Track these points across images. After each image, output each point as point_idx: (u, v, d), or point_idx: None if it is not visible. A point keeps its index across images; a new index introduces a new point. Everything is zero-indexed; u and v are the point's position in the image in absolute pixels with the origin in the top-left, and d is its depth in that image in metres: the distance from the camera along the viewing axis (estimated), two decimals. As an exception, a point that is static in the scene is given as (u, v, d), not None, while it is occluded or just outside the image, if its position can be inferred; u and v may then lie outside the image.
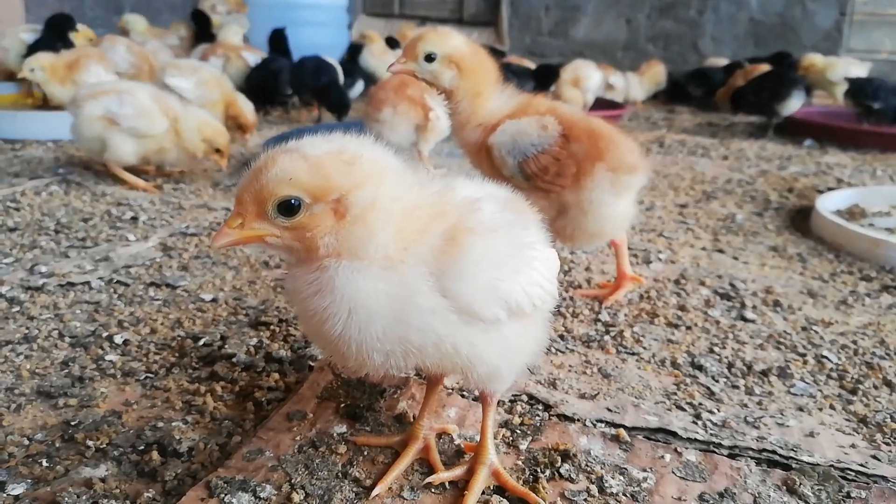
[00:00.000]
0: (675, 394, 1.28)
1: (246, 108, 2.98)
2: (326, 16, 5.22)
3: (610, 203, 1.53)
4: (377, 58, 4.91)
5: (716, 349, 1.46)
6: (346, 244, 0.79)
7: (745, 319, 1.60)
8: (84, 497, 0.96)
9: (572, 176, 1.50)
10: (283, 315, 1.54)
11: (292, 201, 0.78)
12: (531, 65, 4.46)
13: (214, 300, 1.61)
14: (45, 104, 3.75)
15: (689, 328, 1.55)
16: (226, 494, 0.95)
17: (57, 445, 1.07)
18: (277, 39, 4.32)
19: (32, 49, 3.64)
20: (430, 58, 1.48)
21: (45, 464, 1.03)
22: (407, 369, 0.90)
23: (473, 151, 1.57)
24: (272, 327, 1.48)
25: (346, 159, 0.80)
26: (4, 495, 0.96)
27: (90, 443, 1.08)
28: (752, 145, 3.77)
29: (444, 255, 0.81)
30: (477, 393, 1.21)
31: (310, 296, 0.82)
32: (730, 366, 1.39)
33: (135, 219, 2.11)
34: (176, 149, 2.28)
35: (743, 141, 3.91)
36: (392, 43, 5.23)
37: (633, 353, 1.43)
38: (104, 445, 1.07)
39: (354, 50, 4.97)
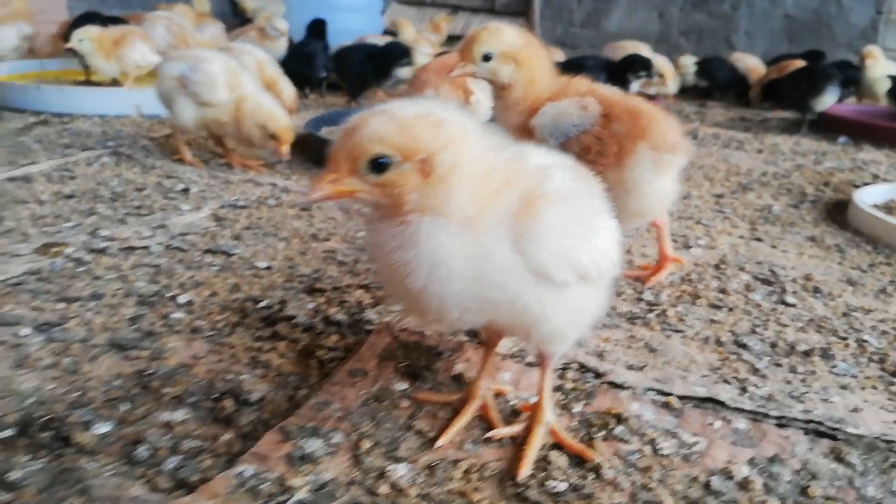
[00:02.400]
0: (720, 369, 1.32)
1: (287, 91, 3.03)
2: (362, 1, 5.26)
3: (652, 181, 1.54)
4: (409, 45, 4.95)
5: (758, 330, 1.49)
6: (430, 202, 0.83)
7: (785, 304, 1.63)
8: (166, 437, 1.02)
9: (614, 155, 1.52)
10: (337, 283, 1.59)
11: (382, 159, 0.82)
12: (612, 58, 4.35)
13: (269, 268, 1.66)
14: (88, 80, 3.84)
15: (730, 310, 1.58)
16: (300, 439, 1.01)
17: (134, 392, 1.13)
18: (317, 27, 4.37)
19: (75, 25, 3.71)
20: (486, 58, 1.54)
21: (125, 407, 1.09)
22: (479, 324, 0.95)
23: (516, 133, 1.60)
24: (326, 294, 1.53)
25: (433, 122, 0.84)
26: (90, 434, 1.02)
27: (166, 390, 1.14)
28: (787, 140, 3.76)
29: (520, 219, 0.85)
30: (534, 357, 1.26)
31: (393, 249, 0.86)
32: (773, 345, 1.42)
33: (186, 190, 2.18)
34: (234, 126, 2.33)
35: (777, 136, 3.90)
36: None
37: (678, 331, 1.47)
38: (179, 393, 1.13)
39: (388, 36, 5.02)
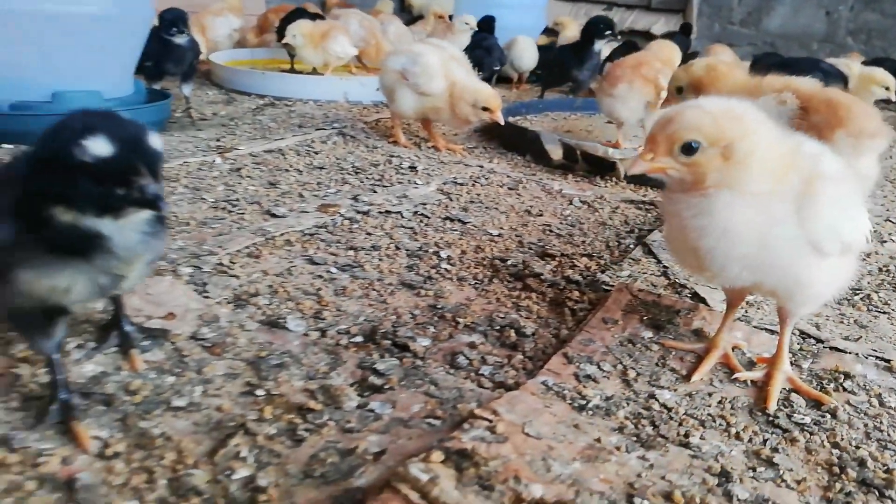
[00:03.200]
0: (932, 347, 1.45)
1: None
2: (528, -2, 5.51)
3: (853, 166, 1.69)
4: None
5: (964, 318, 1.60)
6: (729, 179, 1.06)
7: None
8: (474, 352, 1.31)
9: None
10: (563, 251, 1.84)
11: (693, 144, 1.05)
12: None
13: (500, 235, 1.95)
14: (292, 68, 4.33)
15: (933, 299, 1.70)
16: (580, 363, 1.27)
17: (435, 319, 1.44)
18: (486, 24, 4.66)
19: (287, 20, 4.18)
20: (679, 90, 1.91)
21: (432, 330, 1.39)
22: (747, 282, 1.15)
23: None
24: (557, 259, 1.79)
25: (736, 116, 1.06)
26: (417, 346, 1.32)
27: (459, 320, 1.43)
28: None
29: (802, 196, 1.06)
30: (758, 322, 1.46)
31: (691, 216, 1.09)
32: (981, 332, 1.53)
33: (413, 168, 2.51)
34: (448, 110, 2.64)
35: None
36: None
37: (884, 312, 1.61)
38: (469, 323, 1.43)
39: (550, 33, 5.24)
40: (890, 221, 2.30)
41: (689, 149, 1.06)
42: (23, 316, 0.97)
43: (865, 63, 4.91)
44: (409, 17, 6.40)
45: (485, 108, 2.56)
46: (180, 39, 2.98)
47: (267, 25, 4.86)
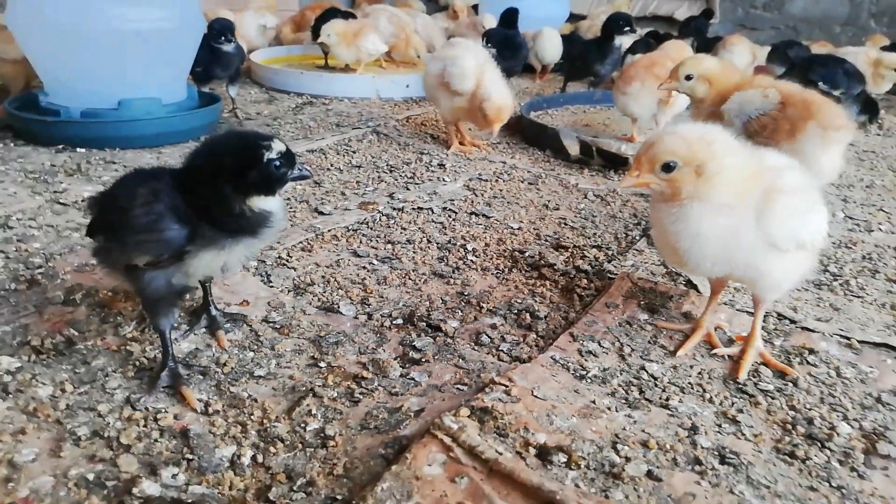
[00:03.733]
0: (895, 326, 1.67)
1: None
2: (553, -11, 5.68)
3: (820, 154, 1.96)
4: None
5: (931, 301, 1.81)
6: (699, 193, 1.29)
7: (959, 283, 1.92)
8: (494, 332, 1.57)
9: (787, 132, 1.97)
10: (575, 243, 2.09)
11: (671, 163, 1.29)
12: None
13: (519, 228, 2.19)
14: (326, 65, 4.59)
15: (906, 284, 1.91)
16: (583, 341, 1.52)
17: (462, 305, 1.70)
18: (510, 16, 4.84)
19: (321, 20, 4.44)
20: (688, 77, 2.15)
21: (459, 314, 1.66)
22: (719, 274, 1.39)
23: (707, 117, 2.08)
24: (570, 250, 2.04)
25: (707, 141, 1.29)
26: (448, 327, 1.58)
27: (482, 305, 1.69)
28: (981, 132, 3.76)
29: (762, 205, 1.29)
30: (742, 305, 1.69)
31: (670, 222, 1.32)
32: (943, 314, 1.75)
33: (442, 165, 2.77)
34: (472, 111, 2.85)
35: (970, 127, 3.90)
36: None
37: (858, 297, 1.82)
38: (491, 307, 1.69)
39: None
40: (882, 211, 2.50)
41: (667, 167, 1.29)
42: (159, 298, 1.26)
43: (884, 48, 5.01)
44: (436, 6, 6.60)
45: (485, 118, 2.74)
46: (228, 47, 3.25)
47: (304, 22, 5.12)
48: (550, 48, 4.77)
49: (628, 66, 3.09)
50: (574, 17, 5.82)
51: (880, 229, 2.31)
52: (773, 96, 1.97)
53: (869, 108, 3.79)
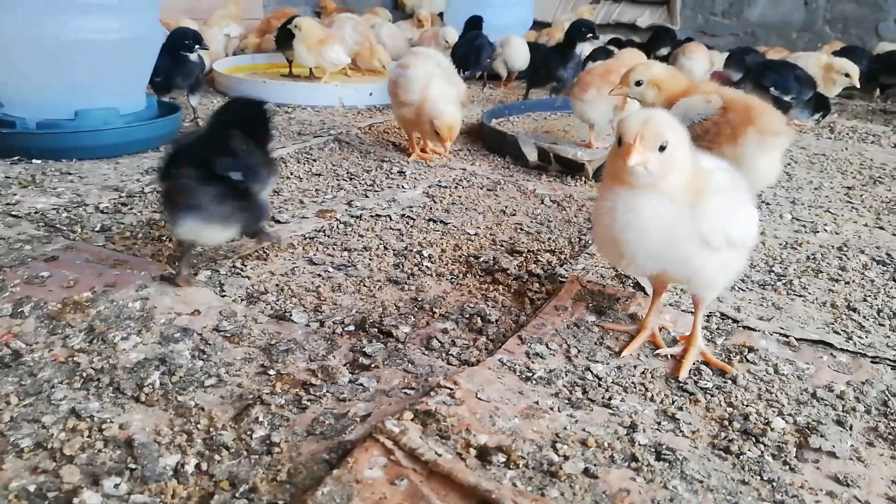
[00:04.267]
0: (833, 324, 1.73)
1: (460, 86, 3.57)
2: (519, -4, 5.75)
3: (758, 157, 2.05)
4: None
5: (868, 299, 1.88)
6: (659, 182, 1.29)
7: (896, 281, 2.00)
8: (445, 337, 1.60)
9: (727, 136, 2.05)
10: (530, 248, 2.12)
11: (664, 144, 1.27)
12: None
13: (476, 234, 2.22)
14: (291, 73, 4.60)
15: (847, 283, 1.97)
16: (531, 343, 1.55)
17: (415, 310, 1.72)
18: (475, 23, 4.90)
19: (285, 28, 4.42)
20: (638, 83, 2.23)
21: (412, 319, 1.68)
22: (654, 271, 1.43)
23: None
24: (524, 255, 2.07)
25: (677, 127, 1.31)
26: (399, 332, 1.60)
27: (435, 310, 1.72)
28: (927, 135, 3.89)
29: (696, 202, 1.33)
30: (688, 306, 1.74)
31: (623, 211, 1.30)
32: (879, 311, 1.81)
33: (402, 172, 2.79)
34: (418, 123, 2.85)
35: (918, 130, 4.03)
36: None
37: (801, 296, 1.88)
38: (444, 312, 1.71)
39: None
40: (829, 212, 2.57)
41: (662, 148, 1.27)
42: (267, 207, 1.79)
43: (835, 53, 5.16)
44: (403, 14, 6.64)
45: (437, 133, 2.77)
46: (194, 56, 3.24)
47: (269, 29, 5.11)
48: (518, 56, 4.83)
49: (584, 73, 3.15)
50: (538, 24, 5.89)
51: (825, 230, 2.38)
52: (716, 102, 2.05)
53: (821, 107, 3.91)
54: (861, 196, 2.79)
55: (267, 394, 1.33)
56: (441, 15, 6.14)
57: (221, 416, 1.26)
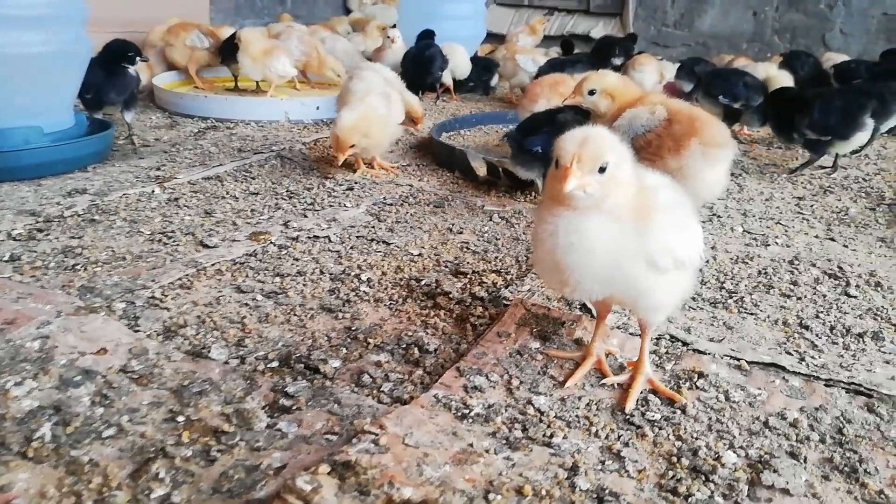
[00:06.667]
0: (785, 343, 1.67)
1: (413, 101, 3.47)
2: (470, 8, 5.67)
3: (703, 170, 2.01)
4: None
5: (821, 315, 1.82)
6: (603, 202, 1.20)
7: (848, 295, 1.95)
8: (378, 370, 1.48)
9: (670, 149, 2.01)
10: (475, 269, 2.02)
11: (604, 165, 1.17)
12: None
13: (420, 255, 2.12)
14: (237, 87, 4.45)
15: (799, 298, 1.92)
16: (470, 375, 1.45)
17: (348, 341, 1.60)
18: (426, 37, 4.81)
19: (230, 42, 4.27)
20: (591, 92, 2.17)
21: (344, 351, 1.56)
22: (600, 295, 1.33)
23: None
24: (469, 276, 1.97)
25: (618, 146, 1.22)
26: (328, 367, 1.49)
27: (369, 340, 1.60)
28: (873, 144, 3.92)
29: (641, 222, 1.24)
30: (636, 328, 1.66)
31: (565, 234, 1.20)
32: (832, 328, 1.75)
33: (347, 189, 2.67)
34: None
35: (866, 138, 4.06)
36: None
37: (752, 314, 1.82)
38: (379, 342, 1.60)
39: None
40: (780, 224, 2.53)
41: (602, 169, 1.18)
42: None
43: (781, 65, 5.20)
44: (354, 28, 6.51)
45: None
46: (132, 70, 3.08)
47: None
48: (461, 63, 4.76)
49: (533, 84, 3.09)
50: (491, 37, 5.85)
51: (776, 243, 2.33)
52: (660, 113, 2.00)
53: None
54: (812, 206, 2.77)
55: (172, 445, 1.20)
56: (394, 26, 6.04)
57: (118, 473, 1.13)
